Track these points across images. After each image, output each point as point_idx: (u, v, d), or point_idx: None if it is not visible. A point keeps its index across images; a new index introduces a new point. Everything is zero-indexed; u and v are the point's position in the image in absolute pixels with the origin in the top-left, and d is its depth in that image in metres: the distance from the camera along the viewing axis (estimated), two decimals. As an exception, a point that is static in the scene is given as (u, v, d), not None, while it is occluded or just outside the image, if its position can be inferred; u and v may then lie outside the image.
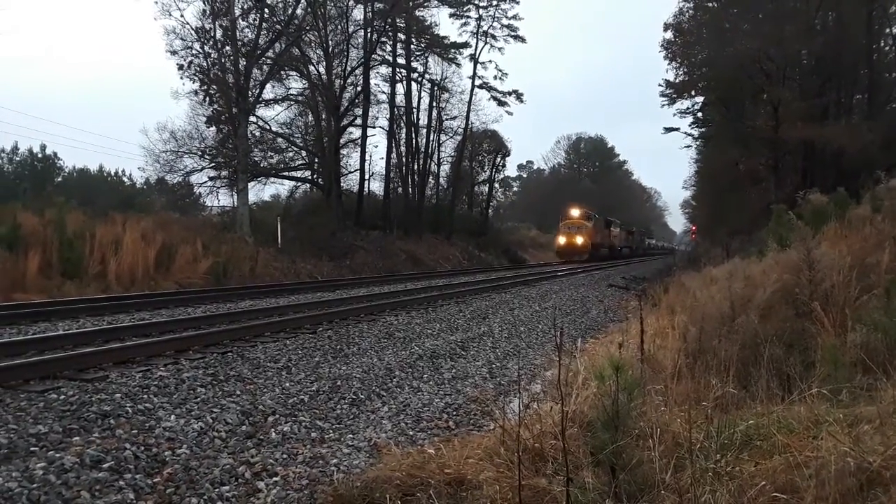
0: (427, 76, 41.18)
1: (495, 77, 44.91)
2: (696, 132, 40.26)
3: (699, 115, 38.08)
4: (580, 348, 7.82)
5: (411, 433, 5.56)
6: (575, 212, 44.05)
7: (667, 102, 36.44)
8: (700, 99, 36.13)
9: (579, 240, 42.37)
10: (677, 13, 34.33)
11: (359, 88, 33.63)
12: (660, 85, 36.44)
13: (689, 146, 43.69)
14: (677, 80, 35.15)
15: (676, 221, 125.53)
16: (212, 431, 4.87)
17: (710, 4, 33.34)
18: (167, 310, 11.28)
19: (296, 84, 31.88)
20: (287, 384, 6.33)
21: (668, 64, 35.31)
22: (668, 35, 34.34)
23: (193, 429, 4.83)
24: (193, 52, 24.54)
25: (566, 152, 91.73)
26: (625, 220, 64.55)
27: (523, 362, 8.68)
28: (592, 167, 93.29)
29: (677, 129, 39.86)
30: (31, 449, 4.17)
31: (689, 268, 20.18)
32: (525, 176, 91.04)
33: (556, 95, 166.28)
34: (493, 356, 8.92)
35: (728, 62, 26.36)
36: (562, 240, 43.15)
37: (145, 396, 5.41)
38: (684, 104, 36.88)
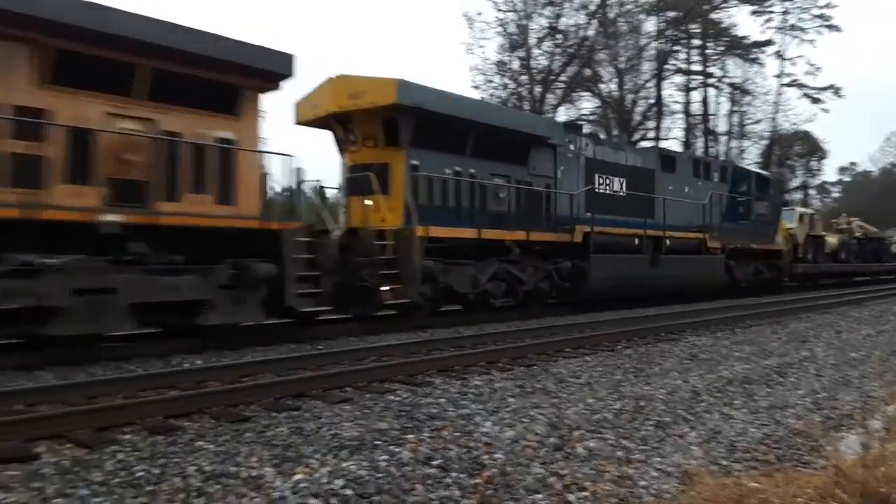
0: (725, 80, 38.70)
1: (806, 73, 40.50)
2: None
3: None
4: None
5: (724, 462, 5.24)
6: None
7: None
8: None
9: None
10: None
11: (651, 101, 32.91)
12: None
13: None
14: None
15: None
16: (522, 440, 5.15)
17: None
18: (476, 325, 12.18)
19: (587, 104, 32.39)
20: (589, 400, 6.42)
21: None
22: None
23: (507, 436, 5.17)
24: (493, 85, 26.42)
25: (899, 151, 77.87)
26: None
27: (857, 394, 7.60)
28: (935, 166, 77.76)
29: None
30: (376, 443, 4.84)
31: None
32: (848, 180, 79.48)
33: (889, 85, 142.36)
34: (818, 385, 7.96)
35: None
36: None
37: (464, 403, 5.95)
38: None
